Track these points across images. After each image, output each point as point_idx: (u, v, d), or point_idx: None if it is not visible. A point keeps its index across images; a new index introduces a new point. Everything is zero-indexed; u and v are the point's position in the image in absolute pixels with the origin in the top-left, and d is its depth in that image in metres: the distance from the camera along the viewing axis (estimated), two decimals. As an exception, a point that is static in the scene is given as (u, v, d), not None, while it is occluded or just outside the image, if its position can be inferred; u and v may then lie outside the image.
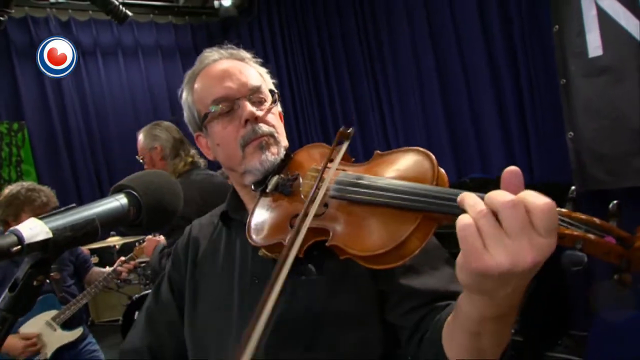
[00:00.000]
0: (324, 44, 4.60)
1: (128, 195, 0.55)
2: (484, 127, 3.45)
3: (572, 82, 2.64)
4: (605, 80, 2.50)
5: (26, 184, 2.32)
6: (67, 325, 2.32)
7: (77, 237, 0.45)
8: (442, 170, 0.62)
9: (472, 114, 3.50)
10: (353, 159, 0.81)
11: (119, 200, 0.53)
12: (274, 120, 0.89)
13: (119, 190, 0.56)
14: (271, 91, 0.94)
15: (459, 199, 0.49)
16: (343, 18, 4.39)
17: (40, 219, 0.44)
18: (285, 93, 5.08)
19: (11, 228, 0.42)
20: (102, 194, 4.00)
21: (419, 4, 3.69)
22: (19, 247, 0.40)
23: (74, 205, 0.48)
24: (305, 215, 0.62)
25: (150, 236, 2.39)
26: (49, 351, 2.26)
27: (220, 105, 0.86)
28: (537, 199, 0.45)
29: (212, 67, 0.91)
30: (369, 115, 4.31)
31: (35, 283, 0.44)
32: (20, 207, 2.18)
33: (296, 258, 0.62)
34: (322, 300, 0.76)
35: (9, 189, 2.26)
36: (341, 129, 0.72)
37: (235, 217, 0.92)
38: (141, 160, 2.21)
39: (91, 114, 4.54)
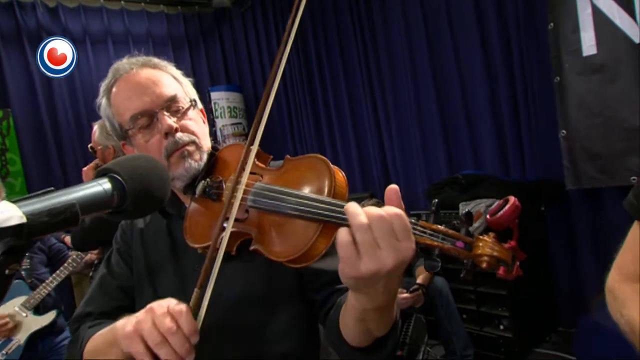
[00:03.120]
0: (318, 36, 4.56)
1: (112, 179, 0.51)
2: (478, 123, 3.45)
3: (566, 80, 2.64)
4: (599, 78, 2.51)
5: None
6: (38, 310, 2.31)
7: (55, 222, 0.42)
8: (341, 176, 0.72)
9: (465, 111, 3.50)
10: (271, 157, 0.89)
11: (101, 185, 0.49)
12: (194, 126, 0.93)
13: (103, 174, 0.52)
14: (193, 99, 0.96)
15: (345, 209, 0.60)
16: (338, 11, 4.35)
17: (14, 202, 0.40)
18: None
19: None
20: (90, 185, 3.90)
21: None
22: (-12, 232, 0.37)
23: (52, 188, 0.45)
24: (223, 228, 0.74)
25: (74, 255, 2.34)
26: (23, 336, 2.25)
27: (140, 120, 0.90)
28: (392, 210, 0.57)
29: (126, 79, 0.92)
30: (363, 110, 4.28)
31: (7, 272, 0.40)
32: None
33: (229, 254, 0.78)
34: (256, 287, 0.88)
35: None
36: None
37: (172, 211, 0.99)
38: (91, 150, 2.16)
39: (80, 102, 4.43)
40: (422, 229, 0.60)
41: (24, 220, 0.39)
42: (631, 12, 2.35)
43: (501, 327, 2.91)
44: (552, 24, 2.68)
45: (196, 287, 0.71)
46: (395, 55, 3.93)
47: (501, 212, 0.59)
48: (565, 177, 2.71)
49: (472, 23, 3.31)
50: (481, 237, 0.60)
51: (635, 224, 0.83)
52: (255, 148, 0.76)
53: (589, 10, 2.50)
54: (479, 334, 2.98)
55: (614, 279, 0.85)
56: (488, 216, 0.60)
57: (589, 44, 2.54)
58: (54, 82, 4.29)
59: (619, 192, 2.60)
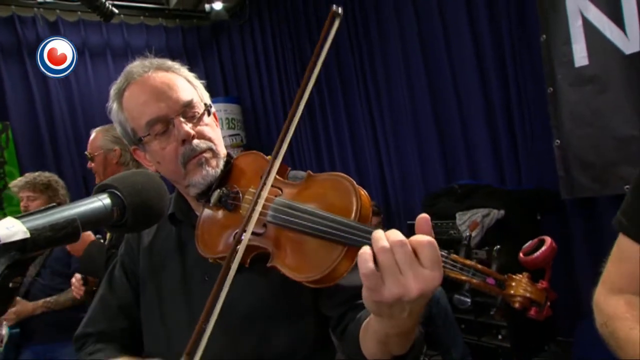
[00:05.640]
0: (315, 47, 4.60)
1: (112, 195, 0.53)
2: (473, 134, 3.48)
3: (559, 91, 2.68)
4: (591, 89, 2.54)
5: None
6: None
7: (57, 237, 0.44)
8: (364, 194, 0.71)
9: (461, 121, 3.53)
10: (289, 169, 0.87)
11: (101, 201, 0.52)
12: (210, 132, 0.91)
13: (102, 190, 0.54)
14: (205, 104, 0.95)
15: (372, 235, 0.59)
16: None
17: (18, 218, 0.42)
18: (276, 96, 5.09)
19: None
20: (88, 197, 3.90)
21: (409, 10, 3.73)
22: (-6, 246, 0.39)
23: (54, 204, 0.47)
24: (239, 242, 0.72)
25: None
26: None
27: (156, 127, 0.88)
28: (420, 238, 0.57)
29: (140, 83, 0.90)
30: (360, 120, 4.32)
31: (11, 285, 0.42)
32: None
33: (242, 266, 0.76)
34: (268, 300, 0.86)
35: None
36: (333, 8, 0.76)
37: (183, 219, 0.97)
38: (89, 156, 2.15)
39: (78, 115, 4.47)
40: (452, 262, 0.59)
41: (28, 235, 0.41)
42: (620, 24, 2.40)
43: (499, 337, 2.91)
44: (544, 36, 2.73)
45: (209, 297, 0.70)
46: (392, 68, 3.98)
47: (537, 253, 0.58)
48: (560, 186, 2.73)
49: (466, 37, 3.37)
50: (514, 276, 0.59)
51: (619, 237, 0.85)
52: (278, 162, 0.75)
53: (580, 22, 2.55)
54: (478, 344, 2.97)
55: (600, 293, 0.86)
56: (521, 254, 0.59)
57: (580, 56, 2.58)
58: (52, 95, 4.33)
59: (614, 200, 2.63)
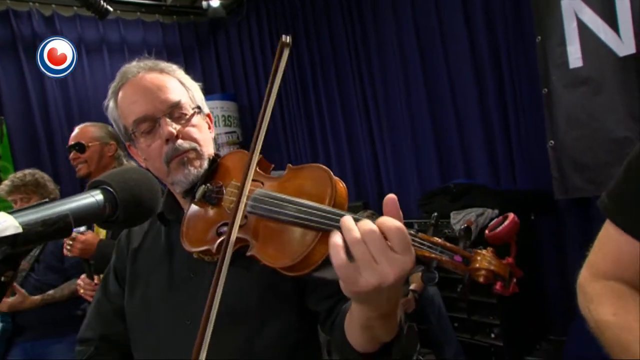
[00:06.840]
0: (312, 45, 4.61)
1: (104, 191, 0.54)
2: (469, 134, 3.50)
3: (554, 92, 2.70)
4: (585, 90, 2.56)
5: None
6: None
7: (49, 232, 0.44)
8: (341, 186, 0.73)
9: (457, 121, 3.55)
10: (272, 166, 0.88)
11: (94, 197, 0.52)
12: (196, 133, 0.93)
13: (95, 187, 0.55)
14: (197, 106, 0.96)
15: (340, 223, 0.60)
16: (331, 20, 4.42)
17: (11, 213, 0.43)
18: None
19: None
20: (83, 193, 3.87)
21: (406, 12, 3.74)
22: (-14, 241, 0.39)
23: (46, 200, 0.47)
24: (229, 238, 0.73)
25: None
26: None
27: (142, 125, 0.91)
28: (389, 223, 0.57)
29: (133, 83, 0.93)
30: (356, 121, 4.33)
31: (3, 279, 0.42)
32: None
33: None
34: (250, 293, 0.87)
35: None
36: (282, 39, 0.77)
37: (171, 217, 0.99)
38: (82, 145, 2.12)
39: (74, 110, 4.45)
40: (420, 241, 0.60)
41: (20, 230, 0.42)
42: (614, 26, 2.42)
43: (492, 335, 2.93)
44: (539, 37, 2.75)
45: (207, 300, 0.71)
46: (388, 68, 3.99)
47: (500, 227, 0.59)
48: (553, 187, 2.75)
49: (462, 37, 3.38)
50: (479, 251, 0.60)
51: (606, 223, 0.85)
52: (256, 155, 0.77)
53: (575, 24, 2.57)
54: (471, 342, 2.99)
55: (584, 277, 0.87)
56: (487, 231, 0.60)
57: (575, 57, 2.60)
58: (48, 90, 4.30)
59: (606, 201, 2.65)
